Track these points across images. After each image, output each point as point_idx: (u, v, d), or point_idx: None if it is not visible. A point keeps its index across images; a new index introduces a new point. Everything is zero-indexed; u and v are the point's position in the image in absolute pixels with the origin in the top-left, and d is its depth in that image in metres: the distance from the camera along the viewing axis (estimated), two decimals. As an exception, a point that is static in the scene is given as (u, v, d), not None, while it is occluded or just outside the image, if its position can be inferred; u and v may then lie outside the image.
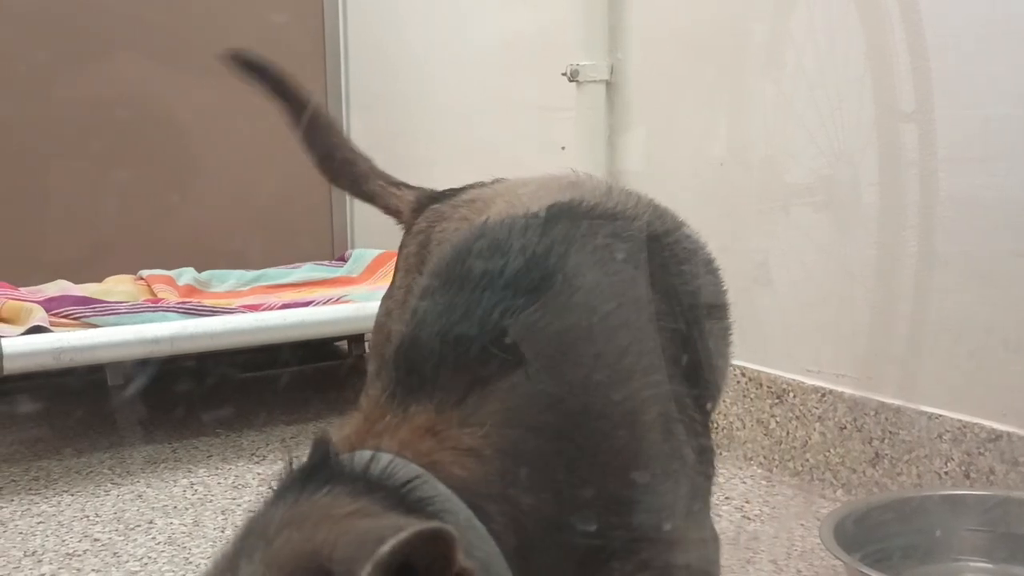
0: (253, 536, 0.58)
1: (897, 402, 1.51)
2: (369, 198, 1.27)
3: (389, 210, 1.23)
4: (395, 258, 2.59)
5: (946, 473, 1.43)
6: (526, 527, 0.64)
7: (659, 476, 0.71)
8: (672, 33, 1.87)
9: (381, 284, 2.31)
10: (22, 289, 2.23)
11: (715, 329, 0.89)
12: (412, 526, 0.51)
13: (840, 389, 1.60)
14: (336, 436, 0.66)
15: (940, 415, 1.45)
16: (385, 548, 0.50)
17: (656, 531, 0.70)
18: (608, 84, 1.96)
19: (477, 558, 0.60)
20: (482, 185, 1.09)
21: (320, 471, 0.62)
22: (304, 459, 0.64)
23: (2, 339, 1.75)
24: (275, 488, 0.63)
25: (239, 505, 1.65)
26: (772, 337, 1.69)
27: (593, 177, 0.99)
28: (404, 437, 0.64)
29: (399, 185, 1.25)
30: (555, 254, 0.74)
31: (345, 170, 1.28)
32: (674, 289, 0.82)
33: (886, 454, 1.52)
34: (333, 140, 1.30)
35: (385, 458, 0.62)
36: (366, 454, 0.62)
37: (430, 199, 1.15)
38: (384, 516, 0.57)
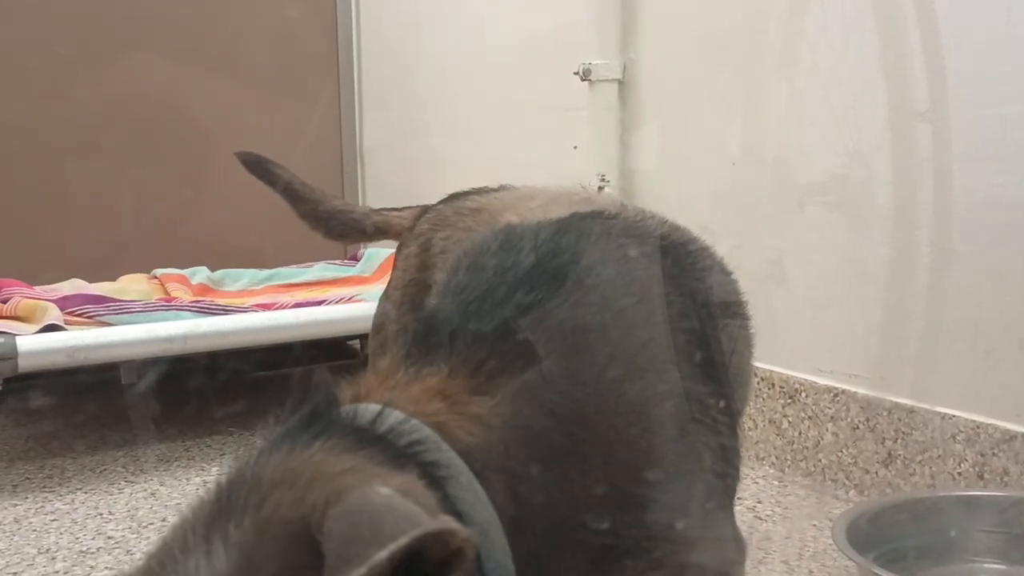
0: (243, 491, 0.55)
1: (910, 402, 1.51)
2: (377, 231, 1.33)
3: (396, 233, 1.26)
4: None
5: (960, 474, 1.43)
6: (527, 503, 0.64)
7: (670, 473, 0.71)
8: (685, 32, 1.87)
9: (393, 283, 2.31)
10: (37, 288, 2.24)
11: (737, 333, 0.89)
12: (416, 528, 0.49)
13: (853, 389, 1.59)
14: (345, 389, 0.65)
15: (954, 415, 1.44)
16: (383, 554, 0.47)
17: (667, 529, 0.70)
18: (620, 83, 1.96)
19: (477, 523, 0.60)
20: (486, 192, 1.09)
21: (318, 420, 0.60)
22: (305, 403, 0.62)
23: (17, 337, 1.76)
24: (270, 432, 0.61)
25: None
26: (785, 337, 1.68)
27: (605, 194, 1.00)
28: (414, 395, 0.64)
29: (400, 209, 1.29)
30: (577, 252, 0.75)
31: (346, 219, 1.36)
32: (693, 292, 0.82)
33: (899, 454, 1.51)
34: (330, 202, 1.39)
35: (395, 415, 0.61)
36: (373, 408, 0.62)
37: (431, 205, 1.16)
38: (386, 477, 0.55)
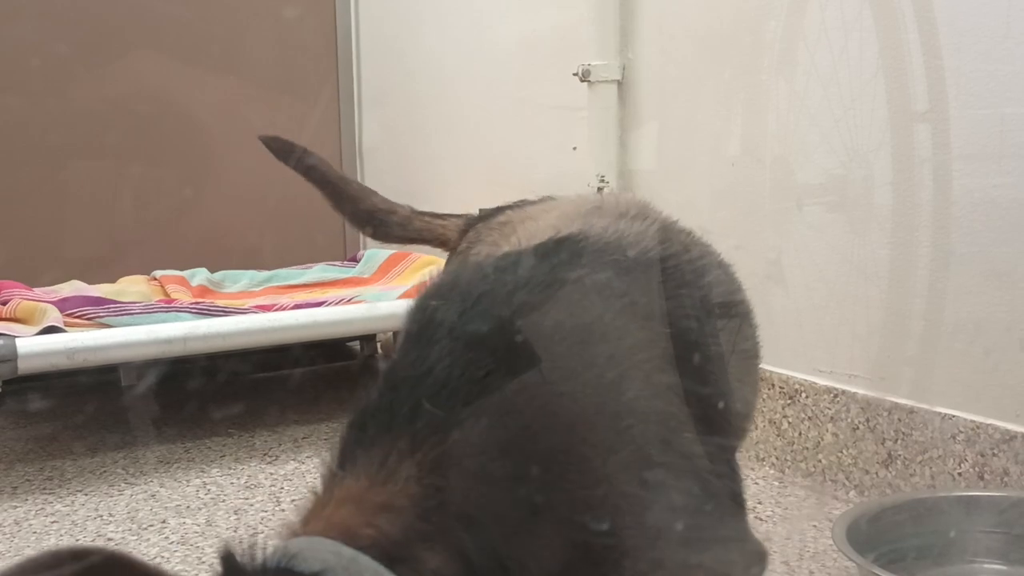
0: None
1: (910, 402, 1.51)
2: (418, 237, 1.30)
3: (439, 242, 1.25)
4: (407, 259, 2.59)
5: (960, 474, 1.43)
6: (472, 561, 0.63)
7: (630, 523, 0.69)
8: (684, 32, 1.87)
9: (393, 284, 2.31)
10: (36, 289, 2.24)
11: (727, 349, 0.87)
12: None
13: (853, 389, 1.59)
14: (286, 529, 0.66)
15: (954, 416, 1.44)
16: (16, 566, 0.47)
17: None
18: (620, 84, 1.96)
19: None
20: (523, 205, 1.08)
21: None
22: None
23: (17, 339, 1.76)
24: None
25: (251, 505, 1.66)
26: (784, 337, 1.68)
27: (621, 199, 0.98)
28: (328, 513, 0.64)
29: (444, 216, 1.27)
30: (515, 299, 0.73)
31: (389, 220, 1.32)
32: (669, 311, 0.80)
33: (899, 455, 1.51)
34: (369, 200, 1.34)
35: (279, 546, 0.62)
36: (277, 547, 0.62)
37: (476, 220, 1.15)
38: None
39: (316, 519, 0.65)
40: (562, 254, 0.80)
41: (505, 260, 0.80)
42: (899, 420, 1.51)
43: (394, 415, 0.67)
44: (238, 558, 0.61)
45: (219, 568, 0.62)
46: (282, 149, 1.38)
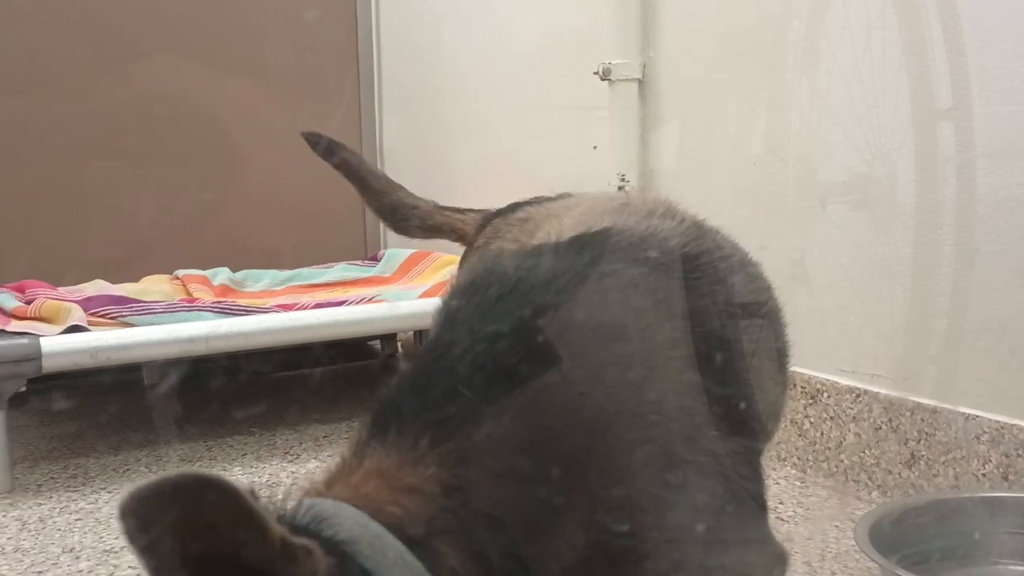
0: None
1: (934, 403, 1.49)
2: (438, 231, 1.31)
3: (457, 236, 1.26)
4: (427, 258, 2.59)
5: (984, 475, 1.41)
6: (489, 563, 0.63)
7: (652, 522, 0.69)
8: (705, 30, 1.86)
9: (413, 284, 2.32)
10: (61, 289, 2.26)
11: (757, 348, 0.87)
12: None
13: (875, 389, 1.58)
14: (312, 485, 0.66)
15: (978, 416, 1.43)
16: (128, 493, 0.49)
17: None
18: (640, 83, 1.96)
19: None
20: (541, 201, 1.08)
21: None
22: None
23: (41, 338, 1.78)
24: None
25: (273, 504, 1.66)
26: (807, 336, 1.67)
27: (646, 197, 0.98)
28: (355, 482, 0.65)
29: (464, 211, 1.28)
30: (550, 291, 0.73)
31: (411, 214, 1.34)
32: (695, 311, 0.79)
33: (922, 455, 1.50)
34: (395, 194, 1.37)
35: (307, 503, 0.62)
36: (301, 503, 0.63)
37: (494, 215, 1.15)
38: None
39: (342, 484, 0.65)
40: (597, 248, 0.80)
41: (541, 252, 0.80)
42: (922, 420, 1.50)
43: (429, 398, 0.67)
44: (266, 508, 0.61)
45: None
46: (320, 144, 1.40)
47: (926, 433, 1.49)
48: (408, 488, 0.63)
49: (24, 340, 1.78)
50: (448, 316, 0.74)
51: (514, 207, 1.10)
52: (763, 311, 0.91)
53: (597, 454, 0.68)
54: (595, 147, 2.06)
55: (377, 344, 2.56)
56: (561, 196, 1.08)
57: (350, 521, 0.61)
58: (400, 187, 1.38)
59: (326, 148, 1.39)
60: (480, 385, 0.67)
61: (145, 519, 0.51)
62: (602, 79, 1.95)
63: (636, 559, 0.67)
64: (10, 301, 2.08)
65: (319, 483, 0.66)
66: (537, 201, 1.08)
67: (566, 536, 0.66)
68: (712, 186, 1.85)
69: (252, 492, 0.56)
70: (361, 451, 0.67)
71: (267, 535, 0.53)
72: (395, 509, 0.62)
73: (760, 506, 0.80)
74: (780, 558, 0.80)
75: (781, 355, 0.94)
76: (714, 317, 0.81)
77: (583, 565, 0.66)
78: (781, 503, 1.57)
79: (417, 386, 0.69)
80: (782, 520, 1.51)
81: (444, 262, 2.32)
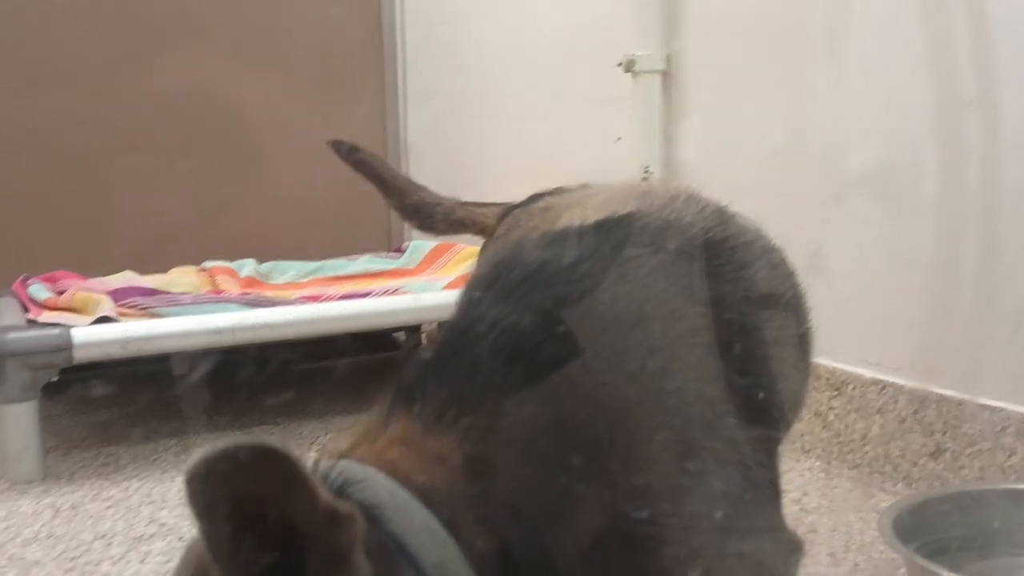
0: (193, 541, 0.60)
1: (959, 395, 1.49)
2: (461, 226, 1.33)
3: (479, 229, 1.27)
4: (451, 250, 2.60)
5: (1009, 467, 1.41)
6: (505, 535, 0.63)
7: (669, 508, 0.69)
8: (729, 21, 1.86)
9: (438, 275, 2.33)
10: (91, 280, 2.29)
11: (780, 336, 0.86)
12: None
13: (900, 381, 1.58)
14: (331, 448, 0.67)
15: (1003, 408, 1.42)
16: (193, 459, 0.51)
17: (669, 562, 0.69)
18: (664, 74, 1.95)
19: (429, 562, 0.60)
20: (564, 191, 1.09)
21: None
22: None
23: (72, 329, 1.81)
24: None
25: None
26: (831, 328, 1.66)
27: (668, 184, 0.98)
28: (380, 446, 0.66)
29: (485, 205, 1.30)
30: (577, 271, 0.74)
31: (434, 211, 1.36)
32: (721, 296, 0.80)
33: (947, 447, 1.50)
34: (417, 194, 1.39)
35: (341, 465, 0.63)
36: (335, 465, 0.64)
37: (514, 207, 1.16)
38: None
39: (367, 447, 0.66)
40: (622, 232, 0.80)
41: (566, 236, 0.81)
42: (947, 412, 1.50)
43: (455, 373, 0.68)
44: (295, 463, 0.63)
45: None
46: (342, 149, 1.43)
47: (951, 425, 1.49)
48: (434, 457, 0.64)
49: (55, 331, 1.81)
50: (472, 297, 0.74)
51: (535, 198, 1.11)
52: (787, 297, 0.91)
53: (618, 437, 0.69)
54: (619, 139, 2.06)
55: (402, 336, 2.57)
56: (582, 187, 1.08)
57: (378, 486, 0.62)
58: (423, 187, 1.40)
59: (348, 152, 1.42)
60: (505, 363, 0.68)
61: (206, 483, 0.53)
62: (625, 71, 1.95)
63: (654, 544, 0.68)
64: (42, 292, 2.12)
65: (342, 444, 0.67)
66: (558, 192, 1.09)
67: (585, 517, 0.66)
68: (735, 177, 1.84)
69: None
70: (386, 418, 0.68)
71: (317, 501, 0.55)
72: (420, 477, 0.63)
73: (776, 495, 0.81)
74: (796, 546, 0.81)
75: (804, 342, 0.94)
76: (738, 303, 0.81)
77: (601, 547, 0.66)
78: (805, 494, 1.57)
79: (442, 361, 0.70)
80: (806, 512, 1.51)
81: (468, 254, 2.33)
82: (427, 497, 0.62)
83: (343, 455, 0.66)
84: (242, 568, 0.55)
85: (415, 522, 0.61)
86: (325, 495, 0.55)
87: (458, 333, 0.72)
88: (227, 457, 0.53)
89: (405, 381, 0.70)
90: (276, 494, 0.54)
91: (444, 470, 0.64)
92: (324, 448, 0.68)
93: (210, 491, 0.53)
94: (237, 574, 0.55)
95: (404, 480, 0.63)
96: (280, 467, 0.54)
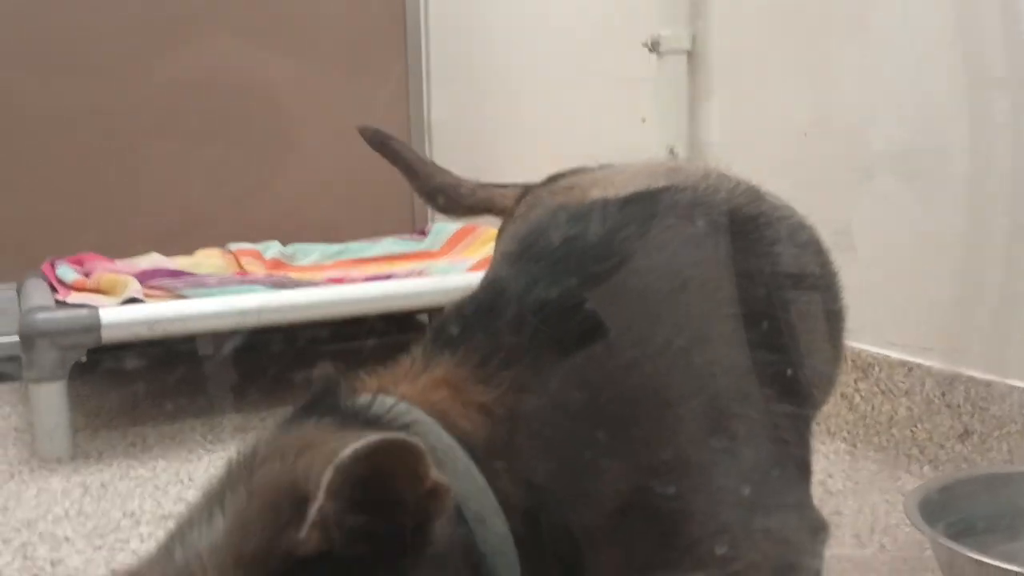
0: (241, 467, 0.60)
1: (987, 376, 1.47)
2: (481, 206, 1.32)
3: (500, 211, 1.27)
4: (474, 232, 2.60)
5: (1038, 449, 1.40)
6: (539, 493, 0.64)
7: (698, 476, 0.69)
8: (754, 1, 1.84)
9: (461, 258, 2.33)
10: (118, 262, 2.31)
11: (810, 313, 0.86)
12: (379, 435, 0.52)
13: (927, 363, 1.56)
14: (367, 382, 0.67)
15: (1032, 389, 1.41)
16: (347, 452, 0.51)
17: (699, 533, 0.69)
18: (689, 54, 1.94)
19: (472, 511, 0.60)
20: (584, 171, 1.09)
21: (315, 405, 0.63)
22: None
23: (100, 309, 1.83)
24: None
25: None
26: (857, 309, 1.65)
27: (696, 163, 0.98)
28: (421, 385, 0.66)
29: (506, 185, 1.29)
30: (615, 238, 0.74)
31: (457, 194, 1.35)
32: (754, 271, 0.80)
33: (975, 430, 1.48)
34: (440, 177, 1.39)
35: (389, 401, 0.63)
36: (372, 396, 0.64)
37: (535, 186, 1.16)
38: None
39: (409, 385, 0.66)
40: (656, 205, 0.80)
41: (601, 205, 0.81)
42: (975, 394, 1.48)
43: (497, 323, 0.68)
44: (338, 393, 0.63)
45: (313, 394, 0.64)
46: (368, 134, 1.44)
47: (979, 407, 1.48)
48: (477, 406, 0.64)
49: (84, 311, 1.83)
50: (506, 258, 0.75)
51: (555, 177, 1.10)
52: (818, 275, 0.90)
53: (654, 407, 0.69)
54: (643, 119, 2.05)
55: (425, 318, 2.58)
56: (603, 166, 1.08)
57: (425, 428, 0.62)
58: (445, 170, 1.40)
59: (372, 137, 1.43)
60: (547, 322, 0.68)
61: (348, 474, 0.53)
62: (650, 51, 1.94)
63: (682, 516, 0.68)
64: (70, 273, 2.14)
65: (385, 378, 0.67)
66: (577, 172, 1.09)
67: (617, 480, 0.67)
68: (761, 158, 1.83)
69: None
70: (428, 357, 0.68)
71: (427, 480, 0.55)
72: (465, 424, 0.63)
73: (805, 473, 0.80)
74: (822, 525, 0.80)
75: (837, 319, 0.93)
76: (771, 279, 0.81)
77: (628, 512, 0.66)
78: (831, 476, 1.57)
79: (484, 313, 0.70)
80: (831, 493, 1.51)
81: (491, 236, 2.31)
82: (469, 445, 0.63)
83: (382, 390, 0.66)
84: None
85: (459, 467, 0.61)
86: (434, 473, 0.55)
87: (496, 291, 0.72)
88: (369, 451, 0.53)
89: (446, 328, 0.70)
90: (401, 481, 0.54)
91: (487, 420, 0.64)
92: (353, 379, 0.67)
93: (349, 478, 0.53)
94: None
95: (448, 426, 0.63)
96: (413, 460, 0.54)
